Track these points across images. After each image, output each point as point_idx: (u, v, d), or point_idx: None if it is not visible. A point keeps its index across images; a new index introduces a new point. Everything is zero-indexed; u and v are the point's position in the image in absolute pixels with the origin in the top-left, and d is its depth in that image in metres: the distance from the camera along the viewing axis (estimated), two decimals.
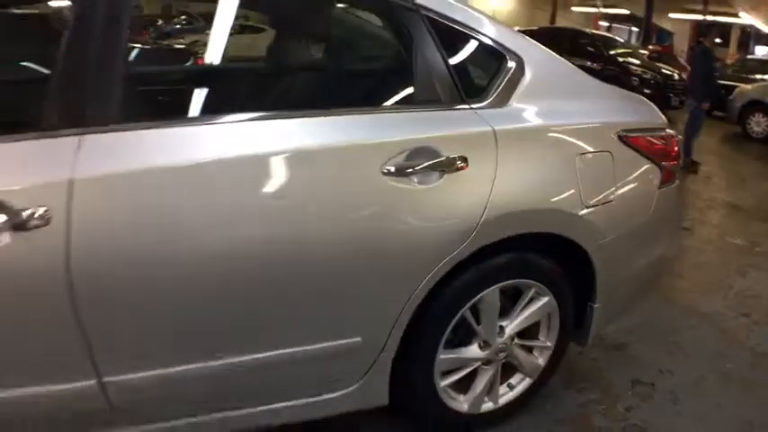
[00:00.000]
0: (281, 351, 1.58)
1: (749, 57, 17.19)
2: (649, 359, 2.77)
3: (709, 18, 20.34)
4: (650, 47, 20.74)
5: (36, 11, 1.75)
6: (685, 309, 3.36)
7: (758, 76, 12.10)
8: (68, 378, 1.41)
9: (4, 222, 1.24)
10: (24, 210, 1.26)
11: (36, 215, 1.26)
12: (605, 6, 23.94)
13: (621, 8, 25.92)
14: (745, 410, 2.47)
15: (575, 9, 28.37)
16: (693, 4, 20.86)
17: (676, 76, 11.99)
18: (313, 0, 1.94)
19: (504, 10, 31.06)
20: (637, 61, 12.35)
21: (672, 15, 25.56)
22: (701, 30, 8.20)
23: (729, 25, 23.74)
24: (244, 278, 1.47)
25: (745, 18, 17.65)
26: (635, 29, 33.05)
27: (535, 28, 15.22)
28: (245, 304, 1.51)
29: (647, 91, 10.70)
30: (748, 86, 10.78)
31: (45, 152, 1.31)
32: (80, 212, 1.29)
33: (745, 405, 2.50)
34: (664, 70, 12.32)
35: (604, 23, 29.20)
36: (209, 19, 1.86)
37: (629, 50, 13.47)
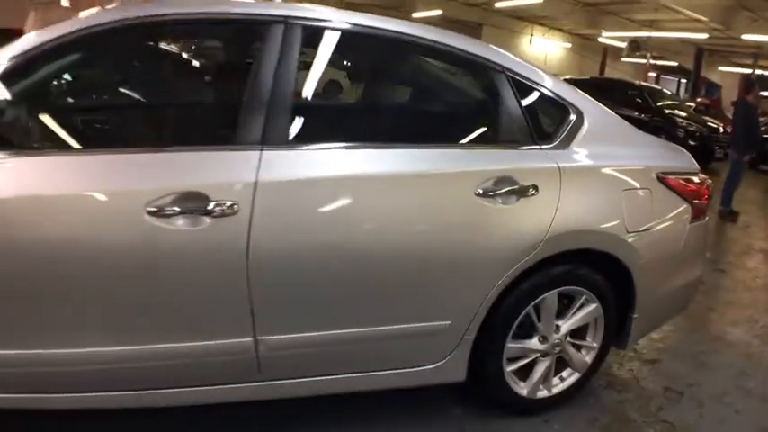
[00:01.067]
0: (394, 326, 2.11)
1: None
2: (679, 373, 3.20)
3: (758, 72, 20.60)
4: (698, 99, 21.06)
5: (231, 59, 2.32)
6: (714, 336, 3.78)
7: None
8: (231, 335, 1.93)
9: (205, 209, 1.79)
10: (220, 201, 1.81)
11: (227, 206, 1.81)
12: (654, 58, 24.32)
13: (671, 60, 26.29)
14: (762, 419, 2.88)
15: (624, 60, 28.85)
16: (743, 58, 21.11)
17: (721, 130, 12.32)
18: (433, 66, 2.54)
19: (555, 58, 31.73)
20: (683, 114, 12.74)
21: (721, 69, 25.82)
22: (746, 83, 8.56)
23: None
24: (375, 269, 2.02)
25: None
26: (684, 80, 33.30)
27: (586, 78, 15.78)
28: (374, 288, 2.05)
29: (691, 143, 11.09)
30: None
31: (238, 160, 1.87)
32: (260, 207, 1.84)
33: (763, 414, 2.92)
34: (709, 123, 12.67)
35: (653, 74, 29.52)
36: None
37: (676, 103, 13.86)
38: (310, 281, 1.96)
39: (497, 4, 20.07)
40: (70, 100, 2.20)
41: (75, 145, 1.99)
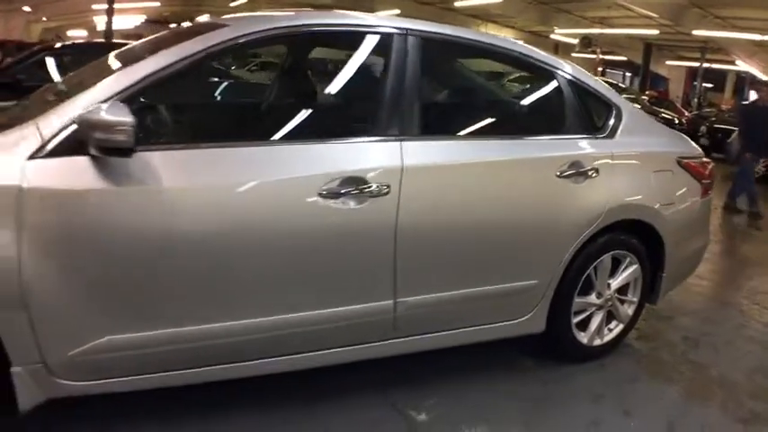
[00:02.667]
0: (498, 286, 2.66)
1: (746, 102, 18.64)
2: (691, 326, 3.87)
3: (705, 65, 21.97)
4: (648, 92, 22.31)
5: (369, 65, 2.68)
6: (711, 298, 4.48)
7: None
8: (377, 298, 2.40)
9: (365, 191, 2.25)
10: (377, 184, 2.30)
11: (382, 188, 2.29)
12: (603, 53, 25.56)
13: (620, 55, 27.61)
14: (764, 356, 3.57)
15: (575, 55, 30.16)
16: (690, 52, 22.45)
17: (676, 121, 13.31)
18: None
19: None
20: (639, 106, 13.68)
21: (668, 62, 27.30)
22: (756, 85, 9.18)
23: (725, 72, 25.47)
24: (487, 238, 2.57)
25: (742, 66, 19.22)
26: (629, 74, 34.91)
27: None
28: (485, 254, 2.60)
29: None
30: None
31: (386, 149, 2.36)
32: (405, 188, 2.34)
33: (766, 353, 3.62)
34: (664, 114, 13.65)
35: (600, 69, 30.93)
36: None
37: (633, 96, 14.84)
38: (440, 249, 2.48)
39: (457, 3, 20.76)
40: (252, 99, 2.64)
41: (262, 137, 2.33)
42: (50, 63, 6.77)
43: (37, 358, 1.96)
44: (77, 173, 1.89)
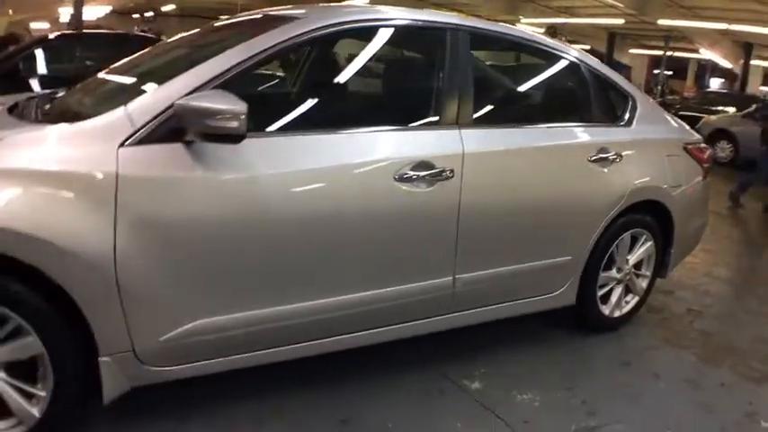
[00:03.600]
0: (539, 262, 2.93)
1: (708, 90, 19.47)
2: (692, 299, 4.22)
3: (669, 53, 22.70)
4: None
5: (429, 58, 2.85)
6: (704, 273, 4.85)
7: (719, 108, 14.06)
8: (439, 275, 2.62)
9: (433, 175, 2.45)
10: (443, 168, 2.49)
11: (448, 172, 2.51)
12: (568, 42, 26.17)
13: (584, 44, 28.25)
14: (761, 325, 3.94)
15: None
16: (653, 40, 23.12)
17: None
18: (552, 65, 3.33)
19: None
20: None
21: (632, 51, 28.06)
22: None
23: (687, 60, 26.31)
24: (531, 217, 2.82)
25: (705, 54, 19.96)
26: None
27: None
28: (529, 232, 2.85)
29: None
30: (713, 117, 12.67)
31: (449, 137, 2.56)
32: (466, 171, 2.55)
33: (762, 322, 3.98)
34: None
35: None
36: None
37: None
38: (493, 228, 2.72)
39: None
40: (331, 87, 2.74)
41: (345, 125, 2.45)
42: (42, 55, 6.75)
43: (126, 346, 2.01)
44: (171, 160, 1.96)
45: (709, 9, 16.72)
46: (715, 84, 27.45)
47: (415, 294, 2.55)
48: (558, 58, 3.21)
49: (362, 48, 2.70)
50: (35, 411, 1.96)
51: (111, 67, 2.99)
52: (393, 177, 2.34)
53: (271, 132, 2.28)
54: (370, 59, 2.75)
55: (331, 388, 2.62)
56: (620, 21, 20.75)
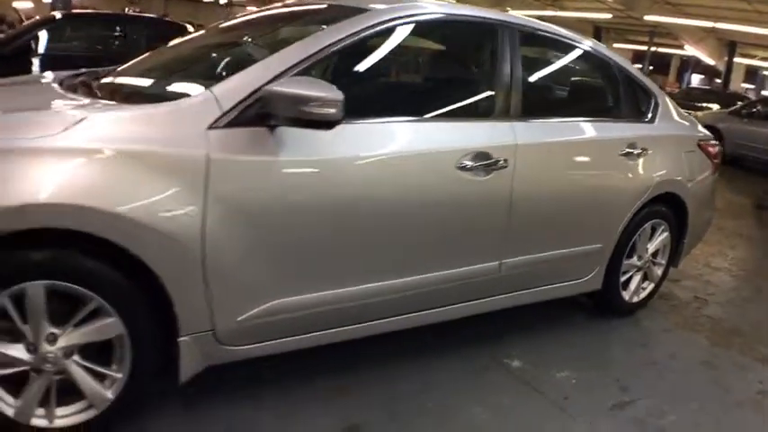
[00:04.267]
0: (573, 248, 3.14)
1: (692, 86, 19.91)
2: (696, 288, 4.49)
3: (653, 49, 23.11)
4: None
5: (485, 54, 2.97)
6: (704, 264, 5.13)
7: (703, 104, 14.46)
8: (488, 259, 2.79)
9: (490, 164, 2.61)
10: (499, 158, 2.65)
11: (502, 161, 2.67)
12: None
13: None
14: (761, 311, 4.22)
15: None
16: (638, 35, 23.51)
17: None
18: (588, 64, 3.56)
19: None
20: None
21: (616, 45, 28.43)
22: None
23: (670, 55, 26.78)
24: (569, 205, 3.02)
25: (690, 51, 20.39)
26: None
27: None
28: (568, 219, 3.05)
29: None
30: (699, 113, 13.03)
31: (503, 128, 2.72)
32: (519, 161, 2.72)
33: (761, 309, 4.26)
34: None
35: None
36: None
37: None
38: (537, 215, 2.91)
39: None
40: (400, 78, 2.88)
41: (417, 114, 2.57)
42: (54, 35, 6.79)
43: (207, 326, 2.07)
44: (256, 143, 2.02)
45: (696, 6, 17.10)
46: (695, 80, 28.03)
47: (468, 277, 2.73)
48: (594, 57, 3.43)
49: (426, 41, 2.84)
50: (109, 393, 1.99)
51: (168, 47, 3.14)
52: (455, 166, 2.50)
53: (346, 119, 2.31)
54: (435, 52, 2.90)
55: (388, 366, 2.81)
56: (608, 15, 21.06)
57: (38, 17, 7.42)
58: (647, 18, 18.68)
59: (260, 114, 2.02)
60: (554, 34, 3.21)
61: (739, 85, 23.85)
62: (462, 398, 2.64)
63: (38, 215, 1.71)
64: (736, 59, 21.50)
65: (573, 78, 3.55)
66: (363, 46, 2.41)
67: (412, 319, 2.66)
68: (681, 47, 21.15)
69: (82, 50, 7.05)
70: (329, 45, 2.27)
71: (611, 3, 19.00)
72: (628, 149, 3.27)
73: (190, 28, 7.48)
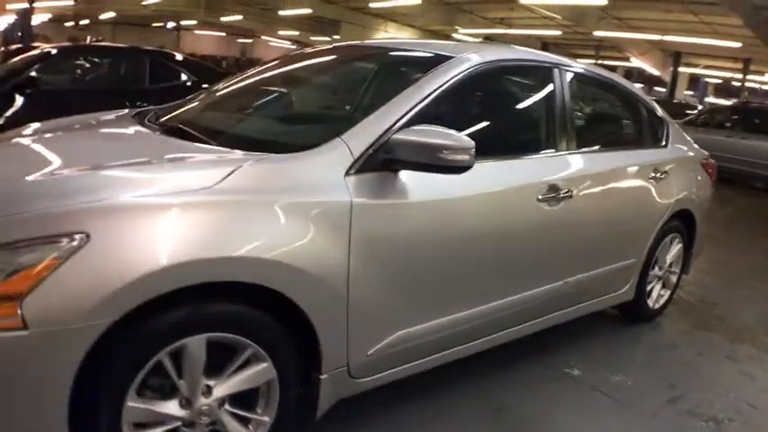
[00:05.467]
0: (614, 265, 3.55)
1: None
2: (700, 292, 5.00)
3: (598, 62, 24.15)
4: None
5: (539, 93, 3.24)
6: (698, 269, 5.66)
7: None
8: (554, 279, 3.12)
9: (560, 195, 2.91)
10: (566, 189, 2.97)
11: (567, 191, 2.97)
12: None
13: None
14: (760, 310, 4.74)
15: None
16: (584, 50, 24.56)
17: None
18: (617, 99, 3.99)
19: None
20: None
21: None
22: None
23: (614, 67, 27.94)
24: (612, 226, 3.43)
25: (636, 62, 21.46)
26: None
27: None
28: (612, 239, 3.47)
29: None
30: None
31: (564, 162, 3.09)
32: (578, 190, 3.03)
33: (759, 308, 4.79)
34: None
35: None
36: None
37: None
38: (590, 237, 3.29)
39: (372, 5, 21.57)
40: (487, 119, 3.04)
41: (504, 153, 2.82)
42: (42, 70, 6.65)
43: (342, 362, 2.19)
44: (385, 186, 2.20)
45: (643, 20, 18.10)
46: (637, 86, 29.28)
47: (543, 296, 3.07)
48: (622, 91, 3.91)
49: (505, 83, 3.15)
50: None
51: (241, 84, 3.33)
52: (536, 198, 2.86)
53: None
54: (510, 93, 3.24)
55: (477, 381, 3.13)
56: (557, 32, 21.98)
57: (32, 52, 7.20)
58: (597, 33, 19.63)
59: (385, 160, 2.19)
60: (591, 72, 3.65)
61: (683, 93, 25.13)
62: (552, 405, 2.99)
63: (209, 269, 1.79)
64: (681, 69, 22.75)
65: (607, 111, 4.00)
66: (455, 91, 2.62)
67: (502, 336, 2.95)
68: (626, 59, 22.21)
69: (83, 85, 6.97)
70: (432, 92, 2.47)
71: (561, 20, 19.87)
72: (653, 174, 3.73)
73: (179, 56, 7.55)
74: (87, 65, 7.03)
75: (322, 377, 2.14)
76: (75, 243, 1.64)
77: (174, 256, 1.73)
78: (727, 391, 3.34)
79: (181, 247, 1.75)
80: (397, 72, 2.92)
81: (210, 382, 1.93)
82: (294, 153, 2.15)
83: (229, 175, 1.94)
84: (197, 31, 31.67)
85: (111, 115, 3.16)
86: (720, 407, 3.15)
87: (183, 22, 28.68)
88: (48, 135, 2.76)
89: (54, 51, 6.72)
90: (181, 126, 2.61)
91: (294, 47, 36.12)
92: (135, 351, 1.76)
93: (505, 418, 2.83)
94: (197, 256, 1.76)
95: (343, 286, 2.09)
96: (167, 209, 1.80)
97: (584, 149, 3.31)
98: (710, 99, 31.78)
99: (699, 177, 4.29)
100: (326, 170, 2.11)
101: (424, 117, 2.37)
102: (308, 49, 3.63)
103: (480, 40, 26.39)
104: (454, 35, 28.13)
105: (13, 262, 1.61)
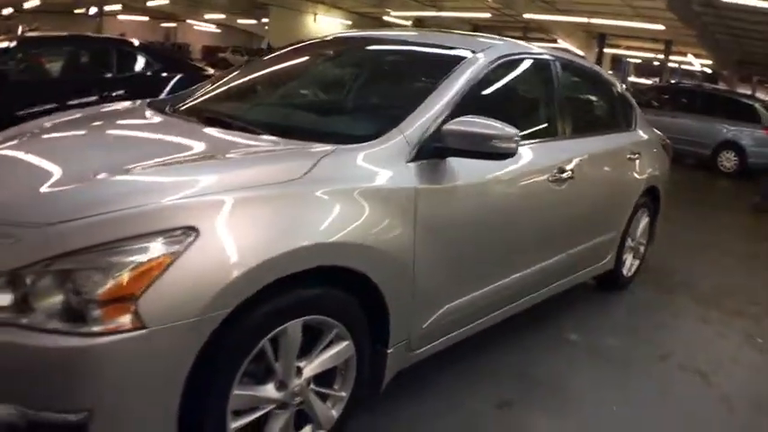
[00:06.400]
0: (602, 237, 3.90)
1: None
2: (662, 261, 5.44)
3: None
4: None
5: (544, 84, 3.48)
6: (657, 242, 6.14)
7: None
8: (560, 251, 3.39)
9: (564, 177, 3.19)
10: (569, 171, 3.22)
11: (570, 173, 3.22)
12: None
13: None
14: (719, 277, 5.23)
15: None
16: (512, 31, 25.17)
17: None
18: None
19: (335, 30, 33.92)
20: None
21: None
22: None
23: None
24: (604, 200, 3.78)
25: (562, 44, 22.22)
26: None
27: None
28: (602, 214, 3.81)
29: None
30: None
31: (567, 145, 3.35)
32: (577, 172, 3.31)
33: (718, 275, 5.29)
34: None
35: None
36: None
37: None
38: (589, 211, 3.62)
39: None
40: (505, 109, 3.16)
41: (527, 138, 3.01)
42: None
43: (405, 336, 2.37)
44: (438, 172, 2.40)
45: (570, 3, 18.77)
46: None
47: (550, 267, 3.36)
48: (603, 80, 4.27)
49: (519, 75, 3.33)
50: (334, 413, 2.21)
51: (269, 74, 3.46)
52: (548, 179, 3.10)
53: None
54: (525, 84, 3.48)
55: (490, 348, 3.33)
56: (487, 15, 22.49)
57: None
58: (526, 16, 20.23)
59: (437, 148, 2.38)
60: (577, 64, 3.96)
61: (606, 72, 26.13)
62: (562, 367, 3.30)
63: (314, 255, 1.92)
64: (605, 50, 23.73)
65: (596, 100, 4.32)
66: (482, 83, 2.82)
67: (521, 303, 3.22)
68: (553, 40, 22.96)
69: (47, 76, 6.68)
70: (465, 84, 2.67)
71: (491, 2, 20.36)
72: (629, 155, 4.10)
73: (136, 42, 7.35)
74: (50, 56, 6.73)
75: (389, 351, 2.32)
76: (188, 239, 1.68)
77: (281, 245, 1.83)
78: (706, 348, 3.76)
79: (287, 236, 1.86)
80: (426, 64, 3.09)
81: (301, 364, 2.04)
82: (360, 144, 2.28)
83: (314, 166, 2.06)
84: (120, 17, 30.68)
85: (121, 107, 3.15)
86: (704, 362, 3.53)
87: (107, 8, 27.73)
88: (79, 130, 2.72)
89: (12, 44, 6.38)
90: (227, 118, 2.65)
91: (219, 31, 35.54)
92: (243, 339, 1.83)
93: (523, 380, 3.10)
94: (303, 244, 1.88)
95: (410, 266, 2.27)
96: (267, 201, 1.90)
97: (577, 135, 3.60)
98: (632, 78, 33.28)
99: (662, 156, 4.70)
100: (392, 159, 2.28)
101: (460, 108, 2.55)
102: (329, 37, 3.74)
103: (410, 23, 26.71)
104: (385, 18, 28.35)
105: (123, 261, 1.62)
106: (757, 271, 5.76)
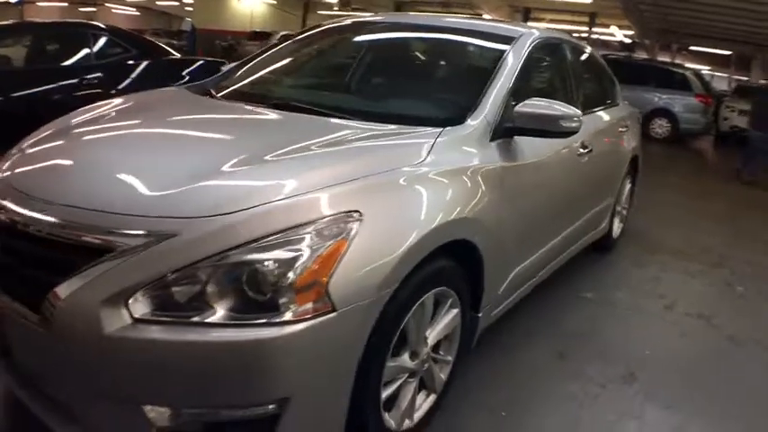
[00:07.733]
0: (603, 204, 4.35)
1: None
2: (639, 223, 6.00)
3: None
4: None
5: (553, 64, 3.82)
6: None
7: None
8: (582, 215, 3.89)
9: (584, 151, 3.59)
10: (587, 143, 3.62)
11: (589, 146, 3.60)
12: (356, 10, 27.90)
13: (373, 12, 30.19)
14: (691, 235, 5.83)
15: (321, 12, 32.27)
16: (436, 6, 25.66)
17: None
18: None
19: (260, 14, 33.75)
20: None
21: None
22: None
23: None
24: (608, 167, 4.25)
25: (487, 17, 22.83)
26: None
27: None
28: (604, 181, 4.27)
29: None
30: None
31: (584, 122, 3.51)
32: (592, 145, 3.73)
33: (689, 232, 5.88)
34: None
35: None
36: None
37: None
38: (597, 180, 4.05)
39: None
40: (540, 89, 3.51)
41: None
42: None
43: (489, 301, 2.57)
44: (511, 150, 2.63)
45: None
46: None
47: (575, 231, 3.77)
48: (595, 59, 4.69)
49: (550, 57, 3.70)
50: (443, 376, 2.38)
51: (307, 56, 3.65)
52: (576, 154, 3.47)
53: None
54: (554, 65, 3.78)
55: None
56: None
57: None
58: None
59: (507, 128, 2.59)
60: (579, 46, 4.37)
61: None
62: (588, 320, 3.74)
63: (446, 231, 2.09)
64: (529, 24, 24.49)
65: (592, 76, 4.71)
66: (526, 66, 3.03)
67: (552, 266, 3.55)
68: (479, 15, 23.55)
69: (27, 64, 6.31)
70: (517, 67, 2.89)
71: None
72: (620, 128, 4.57)
73: (100, 24, 7.03)
74: (26, 43, 6.32)
75: (479, 315, 2.55)
76: (356, 222, 1.77)
77: (429, 222, 2.00)
78: (701, 296, 4.31)
79: (430, 214, 2.03)
80: (480, 48, 3.31)
81: (426, 333, 2.19)
82: (454, 126, 2.44)
83: (431, 150, 2.22)
84: (40, 3, 29.39)
85: (162, 94, 3.08)
86: (704, 307, 4.07)
87: None
88: (156, 119, 2.56)
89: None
90: (307, 105, 2.62)
91: (138, 14, 34.43)
92: (398, 313, 1.94)
93: (564, 334, 3.49)
94: (447, 219, 2.09)
95: (501, 237, 2.51)
96: (407, 182, 2.05)
97: (588, 110, 3.94)
98: None
99: (638, 128, 5.21)
100: (481, 139, 2.49)
101: (515, 89, 2.78)
102: (378, 18, 3.95)
103: (336, 1, 26.67)
104: None
105: (305, 247, 1.66)
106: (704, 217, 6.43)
